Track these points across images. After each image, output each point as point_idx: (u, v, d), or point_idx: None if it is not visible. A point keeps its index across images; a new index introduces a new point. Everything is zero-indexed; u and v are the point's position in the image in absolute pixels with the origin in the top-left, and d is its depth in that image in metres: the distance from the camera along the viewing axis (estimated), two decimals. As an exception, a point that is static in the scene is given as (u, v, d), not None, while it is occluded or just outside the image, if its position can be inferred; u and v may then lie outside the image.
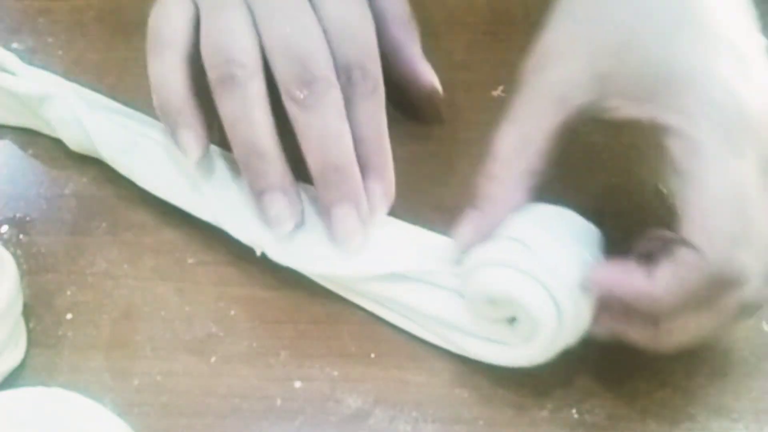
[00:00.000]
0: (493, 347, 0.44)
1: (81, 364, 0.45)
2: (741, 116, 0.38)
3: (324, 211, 0.45)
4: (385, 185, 0.46)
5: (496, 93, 0.54)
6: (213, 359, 0.45)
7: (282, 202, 0.45)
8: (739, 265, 0.38)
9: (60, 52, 0.56)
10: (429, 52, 0.52)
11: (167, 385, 0.45)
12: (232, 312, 0.47)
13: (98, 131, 0.49)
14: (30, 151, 0.52)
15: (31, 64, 0.53)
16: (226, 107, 0.44)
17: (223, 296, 0.47)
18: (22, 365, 0.45)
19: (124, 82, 0.54)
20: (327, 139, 0.44)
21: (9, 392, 0.40)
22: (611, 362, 0.45)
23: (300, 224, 0.46)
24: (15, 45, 0.56)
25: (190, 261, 0.48)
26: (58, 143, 0.51)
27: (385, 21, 0.48)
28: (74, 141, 0.50)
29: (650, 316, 0.40)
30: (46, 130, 0.52)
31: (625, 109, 0.41)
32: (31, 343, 0.45)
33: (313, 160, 0.44)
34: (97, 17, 0.58)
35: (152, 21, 0.46)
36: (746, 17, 0.41)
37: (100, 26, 0.57)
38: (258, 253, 0.46)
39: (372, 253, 0.45)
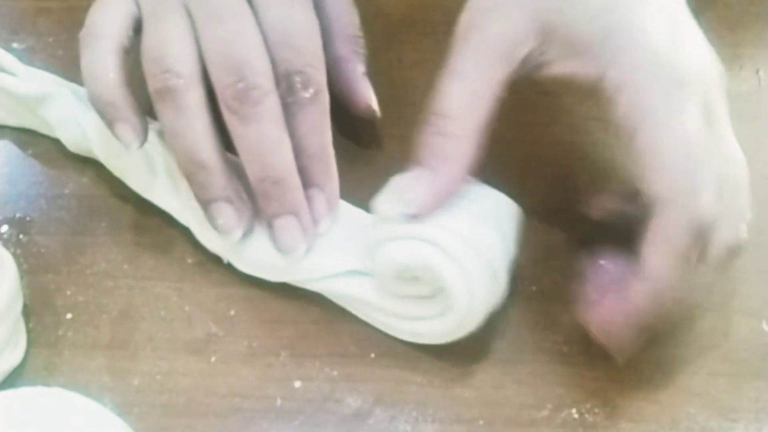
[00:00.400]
0: (409, 324, 0.45)
1: (81, 364, 0.45)
2: (679, 66, 0.40)
3: (266, 222, 0.45)
4: (327, 195, 0.45)
5: (496, 93, 0.54)
6: (213, 359, 0.45)
7: (227, 211, 0.44)
8: (706, 201, 0.39)
9: (60, 52, 0.55)
10: (427, 52, 0.52)
11: (167, 384, 0.45)
12: (232, 312, 0.47)
13: (94, 132, 0.49)
14: (30, 151, 0.52)
15: (31, 64, 0.53)
16: (165, 118, 0.43)
17: (223, 296, 0.47)
18: (21, 365, 0.45)
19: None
20: (263, 150, 0.43)
21: (9, 392, 0.40)
22: (611, 362, 0.45)
23: (251, 231, 0.46)
24: (15, 45, 0.56)
25: (189, 261, 0.48)
26: (57, 143, 0.51)
27: (331, 34, 0.47)
28: (72, 141, 0.50)
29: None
30: (45, 130, 0.52)
31: (563, 64, 0.41)
32: (31, 342, 0.45)
33: (251, 172, 0.44)
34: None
35: (89, 15, 0.45)
36: None
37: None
38: (225, 261, 0.47)
39: (320, 256, 0.45)
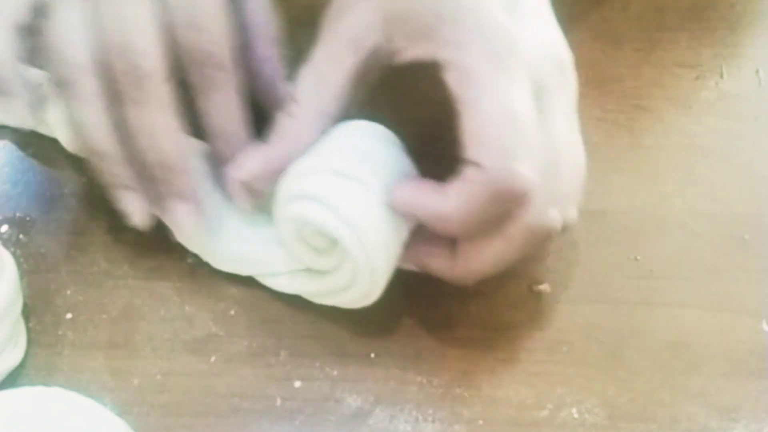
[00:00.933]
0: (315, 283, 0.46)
1: (81, 364, 0.45)
2: (510, 46, 0.41)
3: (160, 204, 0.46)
4: (239, 176, 0.45)
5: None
6: (213, 359, 0.45)
7: (126, 197, 0.46)
8: (519, 175, 0.40)
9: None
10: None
11: (167, 384, 0.45)
12: (232, 312, 0.47)
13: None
14: (30, 151, 0.52)
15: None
16: (66, 108, 0.44)
17: (223, 296, 0.47)
18: (22, 365, 0.45)
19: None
20: (152, 136, 0.43)
21: (9, 392, 0.40)
22: (611, 362, 0.45)
23: (220, 227, 0.47)
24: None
25: (189, 261, 0.48)
26: (58, 143, 0.51)
27: (251, 36, 0.47)
28: (68, 141, 0.50)
29: (448, 243, 0.43)
30: (45, 131, 0.52)
31: (411, 50, 0.42)
32: (31, 342, 0.45)
33: (143, 157, 0.44)
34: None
35: None
36: None
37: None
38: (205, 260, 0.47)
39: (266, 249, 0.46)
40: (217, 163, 0.46)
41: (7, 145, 0.52)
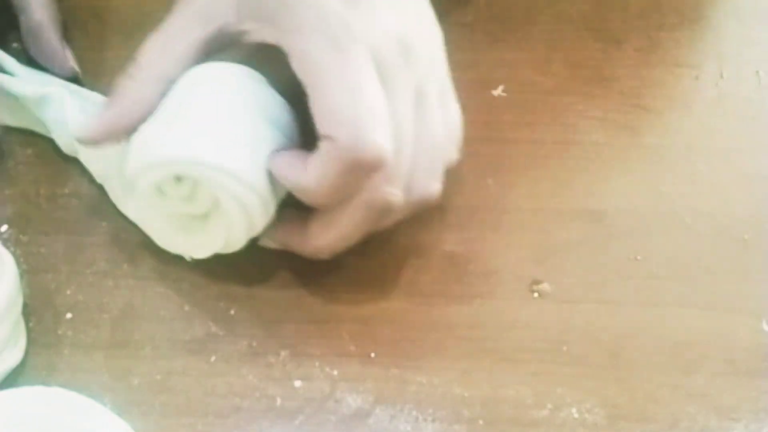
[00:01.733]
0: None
1: (81, 364, 0.45)
2: (348, 32, 0.42)
3: None
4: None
5: (497, 92, 0.54)
6: (213, 358, 0.45)
7: None
8: (370, 143, 0.41)
9: (60, 52, 0.55)
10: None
11: (167, 384, 0.45)
12: (232, 311, 0.47)
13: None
14: (30, 151, 0.52)
15: (30, 64, 0.53)
16: None
17: (223, 295, 0.47)
18: (22, 364, 0.45)
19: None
20: None
21: (9, 391, 0.40)
22: (611, 362, 0.45)
23: None
24: (15, 44, 0.55)
25: (189, 260, 0.48)
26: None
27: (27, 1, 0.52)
28: (64, 143, 0.50)
29: (303, 220, 0.45)
30: (43, 131, 0.52)
31: (258, 33, 0.44)
32: (31, 342, 0.45)
33: None
34: (96, 16, 0.58)
35: None
36: None
37: (98, 25, 0.57)
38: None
39: None
40: None
41: (7, 144, 0.52)
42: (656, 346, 0.45)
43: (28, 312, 0.46)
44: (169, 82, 0.45)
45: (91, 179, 0.51)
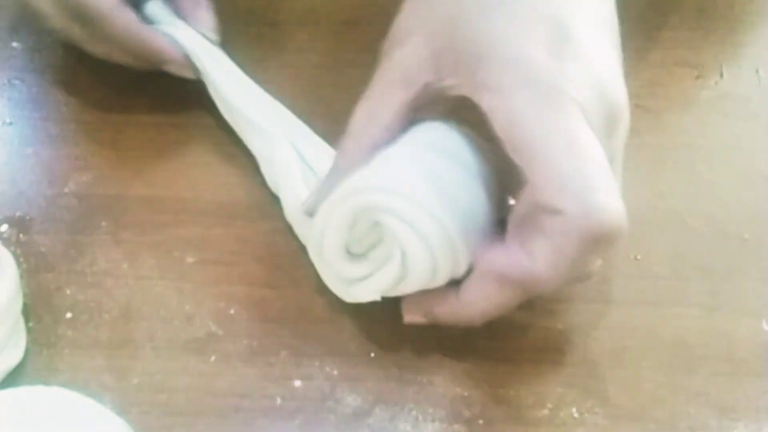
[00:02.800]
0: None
1: (81, 363, 0.45)
2: (556, 87, 0.38)
3: None
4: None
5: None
6: (213, 358, 0.45)
7: None
8: (608, 210, 0.37)
9: (60, 51, 0.55)
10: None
11: (167, 384, 0.45)
12: (232, 311, 0.47)
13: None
14: (30, 150, 0.52)
15: (31, 63, 0.53)
16: None
17: (223, 295, 0.47)
18: (22, 364, 0.45)
19: (124, 80, 0.54)
20: None
21: (9, 391, 0.40)
22: (611, 362, 0.45)
23: None
24: (15, 44, 0.56)
25: (189, 260, 0.48)
26: (57, 142, 0.51)
27: None
28: (270, 180, 0.50)
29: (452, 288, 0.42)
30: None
31: (459, 89, 0.41)
32: (31, 342, 0.45)
33: None
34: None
35: None
36: None
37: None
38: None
39: None
40: None
41: (7, 144, 0.52)
42: (656, 346, 0.45)
43: (28, 312, 0.46)
44: (378, 149, 0.43)
45: (91, 179, 0.51)
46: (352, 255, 0.44)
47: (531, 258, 0.39)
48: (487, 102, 0.40)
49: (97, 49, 0.51)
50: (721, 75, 0.55)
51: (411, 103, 0.43)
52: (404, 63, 0.43)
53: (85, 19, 0.49)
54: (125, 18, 0.49)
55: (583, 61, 0.40)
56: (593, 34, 0.41)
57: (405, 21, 0.44)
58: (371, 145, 0.43)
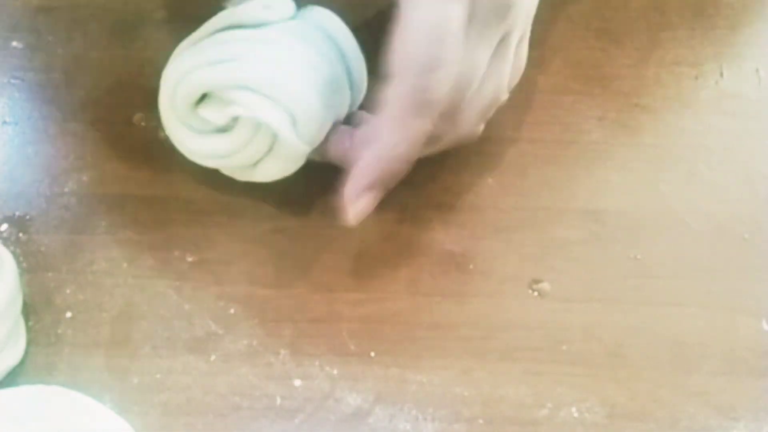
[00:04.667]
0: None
1: (81, 363, 0.45)
2: None
3: None
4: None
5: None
6: (213, 357, 0.45)
7: None
8: (433, 85, 0.42)
9: (60, 50, 0.55)
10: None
11: (167, 383, 0.45)
12: (232, 310, 0.47)
13: None
14: (30, 149, 0.52)
15: (30, 62, 0.53)
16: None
17: (223, 295, 0.47)
18: (21, 363, 0.45)
19: (124, 79, 0.54)
20: None
21: (9, 390, 0.40)
22: (611, 361, 0.45)
23: None
24: (14, 43, 0.55)
25: (189, 259, 0.48)
26: (57, 141, 0.51)
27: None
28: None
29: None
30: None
31: None
32: (31, 341, 0.45)
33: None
34: (97, 15, 0.58)
35: None
36: None
37: (100, 24, 0.57)
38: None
39: None
40: None
41: (7, 144, 0.52)
42: (656, 345, 0.45)
43: (27, 311, 0.46)
44: None
45: (91, 178, 0.51)
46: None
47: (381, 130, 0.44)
48: None
49: None
50: (721, 75, 0.55)
51: None
52: None
53: None
54: None
55: None
56: None
57: None
58: None
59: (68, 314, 0.47)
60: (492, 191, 0.50)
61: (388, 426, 0.43)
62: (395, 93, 0.42)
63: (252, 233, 0.49)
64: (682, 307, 0.47)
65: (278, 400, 0.44)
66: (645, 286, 0.47)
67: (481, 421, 0.44)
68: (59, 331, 0.46)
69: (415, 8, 0.42)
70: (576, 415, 0.44)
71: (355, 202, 0.44)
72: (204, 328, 0.46)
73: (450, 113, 0.44)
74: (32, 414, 0.38)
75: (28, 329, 0.46)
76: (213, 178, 0.50)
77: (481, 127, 0.47)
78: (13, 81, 0.54)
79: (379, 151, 0.44)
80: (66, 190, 0.51)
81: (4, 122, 0.53)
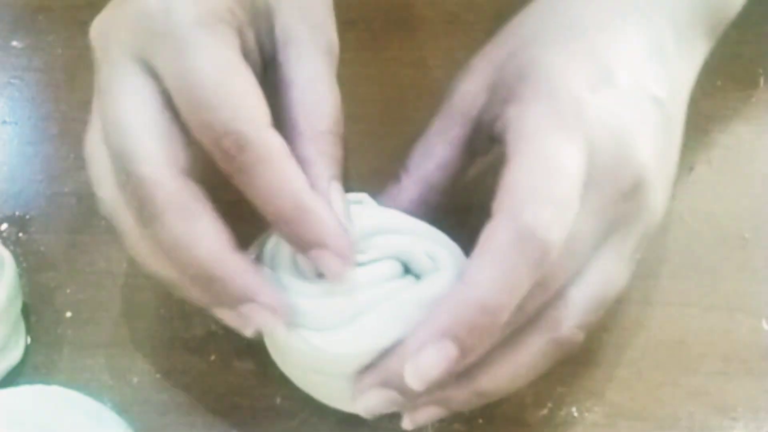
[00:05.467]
0: None
1: (80, 362, 0.45)
2: (577, 113, 0.38)
3: None
4: (318, 255, 0.38)
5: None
6: (212, 357, 0.45)
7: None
8: (543, 223, 0.36)
9: (59, 51, 0.55)
10: (429, 51, 0.52)
11: (167, 383, 0.45)
12: (232, 310, 0.47)
13: None
14: (30, 149, 0.52)
15: (31, 62, 0.53)
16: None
17: (223, 294, 0.47)
18: (21, 363, 0.45)
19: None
20: (178, 250, 0.37)
21: (8, 390, 0.40)
22: (611, 361, 0.45)
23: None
24: (15, 43, 0.56)
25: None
26: (57, 141, 0.51)
27: (295, 130, 0.40)
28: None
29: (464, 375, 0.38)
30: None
31: (495, 118, 0.40)
32: (31, 341, 0.45)
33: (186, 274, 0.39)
34: (97, 14, 0.58)
35: None
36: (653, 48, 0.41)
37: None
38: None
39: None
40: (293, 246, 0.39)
41: (7, 143, 0.52)
42: (656, 345, 0.45)
43: (27, 311, 0.46)
44: (431, 187, 0.42)
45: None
46: None
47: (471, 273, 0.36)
48: (507, 114, 0.39)
49: (143, 251, 0.40)
50: (722, 75, 0.55)
51: (466, 139, 0.42)
52: (463, 98, 0.42)
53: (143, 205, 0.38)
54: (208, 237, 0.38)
55: (613, 109, 0.39)
56: (639, 94, 0.40)
57: (474, 58, 0.43)
58: (425, 180, 0.42)
59: (68, 314, 0.47)
60: (492, 191, 0.50)
61: (388, 426, 0.43)
62: (499, 232, 0.36)
63: (251, 233, 0.49)
64: (682, 307, 0.47)
65: (278, 400, 0.44)
66: (645, 286, 0.47)
67: (480, 420, 0.44)
68: (59, 330, 0.46)
69: (528, 142, 0.37)
70: (576, 414, 0.44)
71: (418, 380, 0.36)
72: (204, 327, 0.46)
73: (546, 295, 0.37)
74: (32, 414, 0.38)
75: (28, 329, 0.46)
76: (212, 178, 0.50)
77: (582, 335, 0.39)
78: (13, 81, 0.55)
79: (470, 295, 0.36)
80: (66, 189, 0.51)
81: (4, 122, 0.53)
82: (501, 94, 0.40)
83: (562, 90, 0.38)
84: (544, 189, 0.36)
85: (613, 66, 0.40)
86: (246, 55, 0.39)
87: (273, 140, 0.37)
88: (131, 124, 0.38)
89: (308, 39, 0.42)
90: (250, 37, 0.40)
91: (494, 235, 0.36)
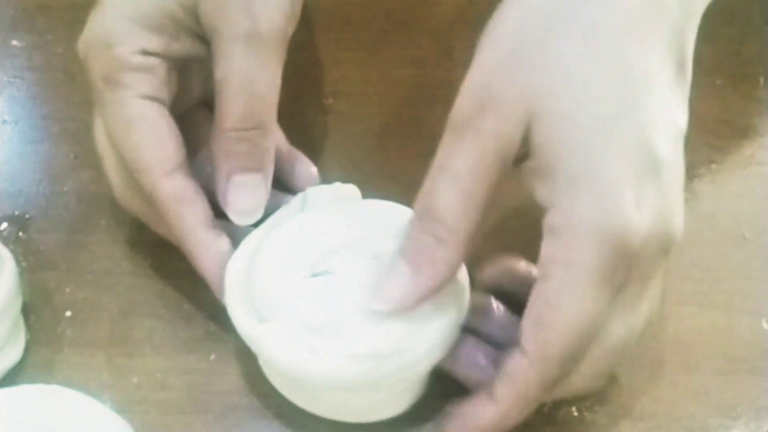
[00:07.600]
0: None
1: (80, 362, 0.45)
2: (626, 228, 0.35)
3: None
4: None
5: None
6: (212, 357, 0.45)
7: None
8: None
9: (59, 49, 0.55)
10: (429, 50, 0.52)
11: (166, 382, 0.45)
12: (232, 310, 0.47)
13: None
14: (30, 148, 0.52)
15: (30, 61, 0.53)
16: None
17: (223, 294, 0.47)
18: (21, 362, 0.45)
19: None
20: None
21: (8, 390, 0.40)
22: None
23: None
24: (14, 42, 0.56)
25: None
26: (57, 141, 0.51)
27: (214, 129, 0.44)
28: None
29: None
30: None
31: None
32: (31, 340, 0.45)
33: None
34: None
35: None
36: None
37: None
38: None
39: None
40: None
41: (7, 143, 0.52)
42: (656, 344, 0.45)
43: (27, 310, 0.46)
44: (475, 236, 0.38)
45: (90, 177, 0.51)
46: None
47: (491, 401, 0.38)
48: (547, 202, 0.37)
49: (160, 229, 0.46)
50: (721, 75, 0.55)
51: (502, 180, 0.37)
52: (502, 136, 0.36)
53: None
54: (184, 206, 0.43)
55: (659, 208, 0.36)
56: (676, 158, 0.37)
57: (490, 80, 0.37)
58: (469, 234, 0.37)
59: (68, 313, 0.47)
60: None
61: (389, 426, 0.43)
62: (523, 362, 0.37)
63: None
64: (681, 306, 0.47)
65: (278, 400, 0.44)
66: (645, 286, 0.47)
67: (481, 420, 0.44)
68: (59, 330, 0.46)
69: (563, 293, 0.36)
70: (575, 414, 0.44)
71: None
72: (204, 327, 0.46)
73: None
74: (31, 414, 0.38)
75: (28, 328, 0.46)
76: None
77: (602, 381, 0.40)
78: (12, 80, 0.55)
79: (495, 415, 0.38)
80: (66, 189, 0.51)
81: (4, 121, 0.53)
82: (535, 164, 0.36)
83: (607, 188, 0.35)
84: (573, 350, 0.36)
85: (655, 145, 0.36)
86: (189, 60, 0.44)
87: (165, 188, 0.43)
88: (128, 135, 0.43)
89: (225, 30, 0.42)
90: (189, 37, 0.44)
91: (524, 384, 0.37)
